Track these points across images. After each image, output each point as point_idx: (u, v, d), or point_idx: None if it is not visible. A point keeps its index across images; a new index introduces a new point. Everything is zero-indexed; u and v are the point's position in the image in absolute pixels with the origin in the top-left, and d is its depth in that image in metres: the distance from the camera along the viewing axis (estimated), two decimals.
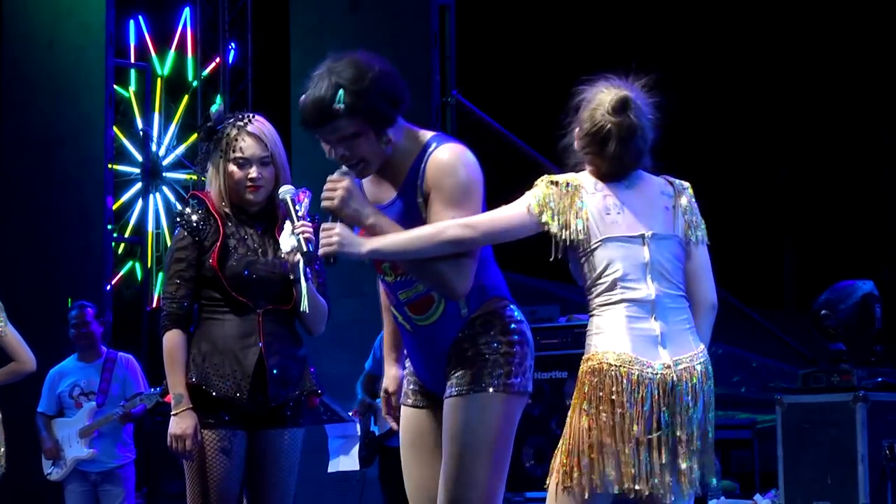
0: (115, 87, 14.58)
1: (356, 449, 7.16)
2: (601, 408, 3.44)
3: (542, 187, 3.55)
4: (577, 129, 3.62)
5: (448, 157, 3.56)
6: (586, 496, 3.45)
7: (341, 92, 3.51)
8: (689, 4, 12.68)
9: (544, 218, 3.51)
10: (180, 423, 4.32)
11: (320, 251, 3.53)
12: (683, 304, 3.54)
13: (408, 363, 3.88)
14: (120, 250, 15.37)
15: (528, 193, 3.56)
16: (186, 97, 15.50)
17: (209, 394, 4.33)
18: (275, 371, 4.36)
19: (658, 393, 3.43)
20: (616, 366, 3.45)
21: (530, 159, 9.24)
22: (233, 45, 12.82)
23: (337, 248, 3.49)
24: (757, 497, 7.74)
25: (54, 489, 8.23)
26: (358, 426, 7.16)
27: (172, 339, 4.37)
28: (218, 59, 12.84)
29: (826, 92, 13.38)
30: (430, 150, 3.58)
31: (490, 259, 3.69)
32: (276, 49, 11.21)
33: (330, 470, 7.40)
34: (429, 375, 3.76)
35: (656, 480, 3.44)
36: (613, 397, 3.43)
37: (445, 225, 3.47)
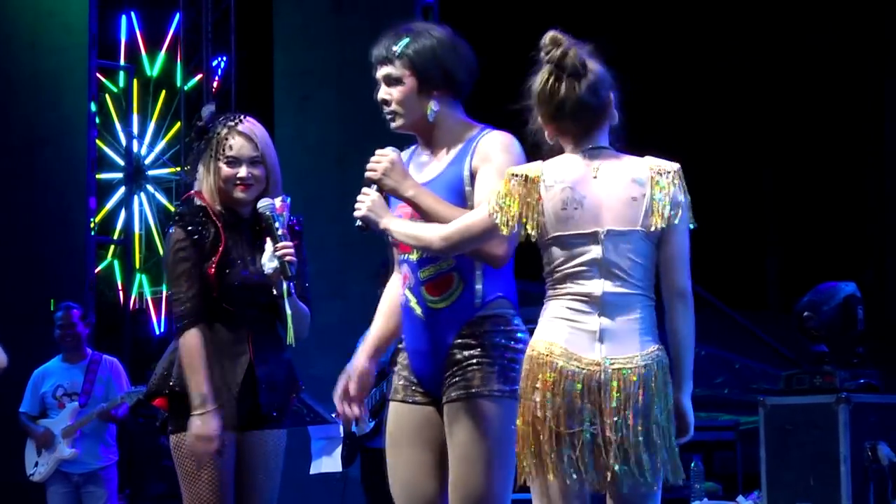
0: (104, 80, 14.57)
1: (339, 450, 7.16)
2: (528, 398, 3.40)
3: (503, 185, 3.48)
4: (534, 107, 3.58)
5: (502, 137, 3.79)
6: (543, 489, 3.41)
7: (405, 40, 3.78)
8: (673, 9, 12.70)
9: (499, 215, 3.45)
10: (206, 425, 4.26)
11: (355, 213, 3.71)
12: (638, 304, 3.43)
13: (402, 358, 3.91)
14: (109, 254, 15.32)
15: (491, 192, 3.52)
16: (164, 92, 15.47)
17: None
18: (264, 379, 4.36)
19: (580, 388, 3.35)
20: (544, 355, 3.39)
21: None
22: (221, 59, 12.82)
23: (365, 213, 3.68)
24: (740, 499, 7.75)
25: (37, 490, 8.20)
26: (341, 428, 7.16)
27: (192, 338, 4.31)
28: (201, 76, 12.80)
29: (810, 95, 13.41)
30: (483, 132, 3.81)
31: (509, 265, 3.77)
32: (260, 50, 11.20)
33: (312, 471, 7.39)
34: (428, 370, 3.80)
35: (584, 475, 3.36)
36: (538, 386, 3.38)
37: (435, 234, 3.57)
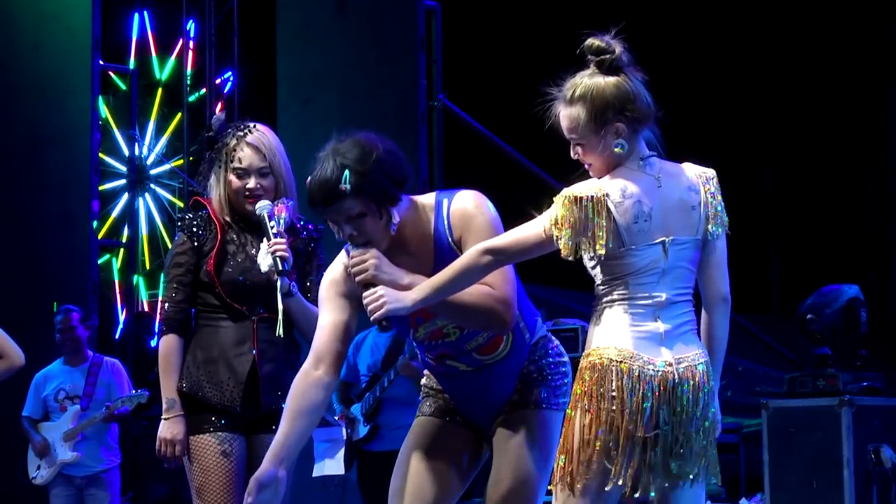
0: (114, 77, 14.56)
1: (342, 453, 7.16)
2: (602, 405, 3.37)
3: (560, 206, 3.40)
4: (572, 124, 3.46)
5: (466, 201, 3.66)
6: (590, 495, 3.40)
7: (347, 172, 3.55)
8: (674, 10, 12.69)
9: (560, 240, 3.39)
10: (171, 428, 4.38)
11: (371, 317, 3.52)
12: (688, 307, 3.48)
13: (429, 381, 3.92)
14: (119, 259, 15.34)
15: (546, 213, 3.44)
16: (161, 90, 15.49)
17: (203, 401, 4.38)
18: (267, 378, 4.38)
19: (658, 390, 3.37)
20: (617, 361, 3.37)
21: (517, 163, 9.23)
22: (228, 75, 12.84)
23: (386, 311, 3.49)
24: (743, 501, 7.75)
25: (39, 493, 8.21)
26: (343, 430, 7.16)
27: (168, 344, 4.43)
28: (205, 90, 12.81)
29: (812, 96, 13.39)
30: (445, 205, 3.68)
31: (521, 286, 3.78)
32: (262, 52, 11.20)
33: (315, 474, 7.40)
34: (480, 407, 3.81)
35: (654, 478, 3.39)
36: (614, 393, 3.36)
37: (475, 255, 3.47)
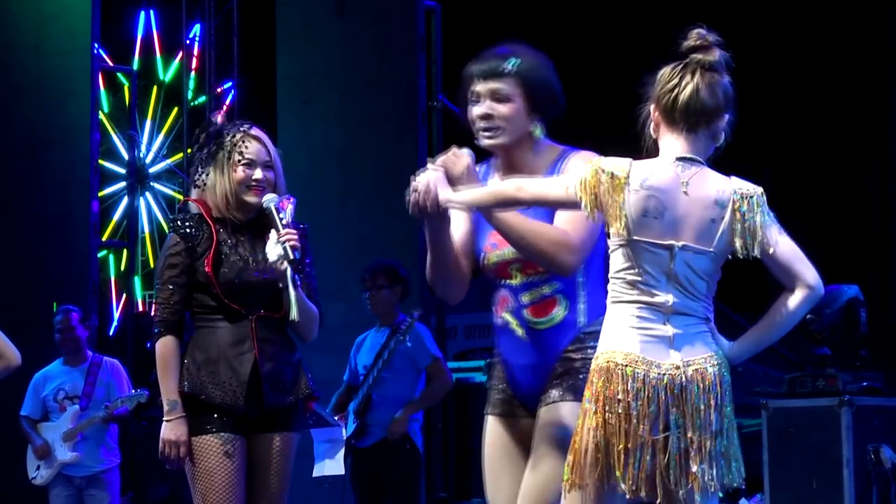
0: (119, 75, 14.58)
1: (342, 453, 7.17)
2: (608, 408, 3.39)
3: (589, 172, 3.45)
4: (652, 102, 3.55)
5: (585, 157, 3.72)
6: (597, 496, 3.41)
7: (515, 59, 3.74)
8: (672, 9, 12.69)
9: (583, 202, 3.44)
10: (174, 430, 4.38)
11: (413, 186, 3.59)
12: (701, 312, 3.48)
13: (499, 372, 3.93)
14: (123, 260, 15.35)
15: (575, 174, 3.49)
16: (157, 88, 15.50)
17: (206, 402, 4.38)
18: (269, 376, 4.40)
19: (665, 394, 3.38)
20: (623, 365, 3.39)
21: None
22: (231, 84, 12.86)
23: (429, 185, 3.56)
24: (742, 501, 7.74)
25: (39, 494, 8.20)
26: (344, 431, 7.17)
27: (166, 346, 4.43)
28: (220, 88, 12.83)
29: (812, 96, 13.38)
30: (569, 153, 3.79)
31: (602, 282, 3.78)
32: (262, 53, 11.20)
33: (315, 474, 7.40)
34: (526, 382, 3.83)
35: (665, 483, 3.38)
36: (620, 397, 3.38)
37: (509, 184, 3.55)
